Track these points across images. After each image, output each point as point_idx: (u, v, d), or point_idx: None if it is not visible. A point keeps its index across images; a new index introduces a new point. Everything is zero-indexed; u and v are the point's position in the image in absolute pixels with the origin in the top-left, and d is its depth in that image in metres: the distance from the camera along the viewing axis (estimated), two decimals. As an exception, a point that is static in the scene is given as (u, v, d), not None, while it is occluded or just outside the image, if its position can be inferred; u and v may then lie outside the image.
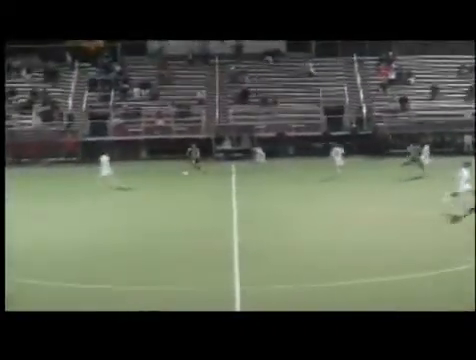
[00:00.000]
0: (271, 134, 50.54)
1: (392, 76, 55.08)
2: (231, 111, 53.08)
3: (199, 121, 52.49)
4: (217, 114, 53.10)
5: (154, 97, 54.44)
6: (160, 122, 52.24)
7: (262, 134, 50.90)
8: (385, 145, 49.17)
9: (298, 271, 21.49)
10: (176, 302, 18.59)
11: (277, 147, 49.86)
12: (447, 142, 50.09)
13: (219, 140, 51.03)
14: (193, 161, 41.74)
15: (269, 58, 56.46)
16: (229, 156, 49.82)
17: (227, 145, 51.19)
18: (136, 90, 54.64)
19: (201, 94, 54.22)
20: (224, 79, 55.76)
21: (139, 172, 43.36)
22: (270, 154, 48.13)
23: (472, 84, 52.88)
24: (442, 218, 27.65)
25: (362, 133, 51.01)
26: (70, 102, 53.71)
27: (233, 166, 44.56)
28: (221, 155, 50.30)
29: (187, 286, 19.96)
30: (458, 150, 48.59)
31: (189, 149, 42.28)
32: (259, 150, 48.27)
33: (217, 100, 54.09)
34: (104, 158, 37.62)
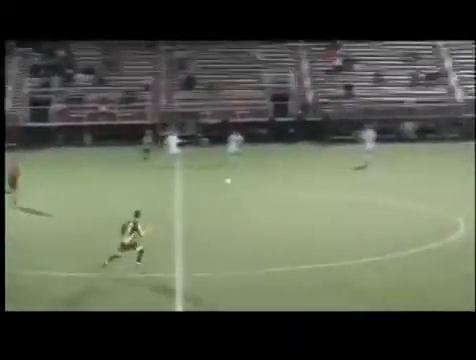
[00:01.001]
0: (216, 120, 50.22)
1: (338, 62, 55.18)
2: (176, 97, 52.67)
3: (144, 107, 52.01)
4: (162, 100, 52.66)
5: (99, 83, 53.75)
6: (104, 108, 51.58)
7: (207, 120, 50.62)
8: (331, 132, 49.23)
9: (241, 257, 21.41)
10: (118, 288, 18.58)
11: (222, 134, 49.51)
12: (389, 129, 50.35)
13: (164, 126, 50.55)
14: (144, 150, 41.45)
15: (215, 44, 56.11)
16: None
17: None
18: (80, 76, 53.87)
19: (147, 80, 53.71)
20: (170, 65, 55.29)
21: (84, 159, 42.89)
22: (215, 141, 47.82)
23: (415, 70, 53.43)
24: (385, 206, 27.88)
25: (308, 119, 51.01)
26: (11, 87, 52.68)
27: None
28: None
29: (129, 272, 19.76)
30: (398, 137, 49.15)
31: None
32: (236, 136, 40.60)
33: (163, 86, 53.63)
34: (173, 138, 39.37)
